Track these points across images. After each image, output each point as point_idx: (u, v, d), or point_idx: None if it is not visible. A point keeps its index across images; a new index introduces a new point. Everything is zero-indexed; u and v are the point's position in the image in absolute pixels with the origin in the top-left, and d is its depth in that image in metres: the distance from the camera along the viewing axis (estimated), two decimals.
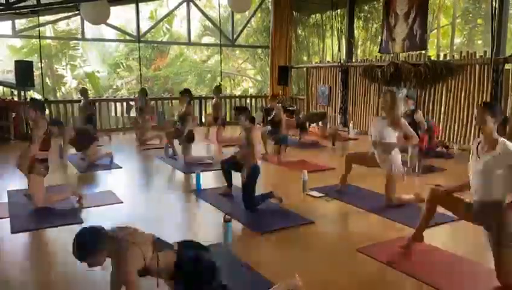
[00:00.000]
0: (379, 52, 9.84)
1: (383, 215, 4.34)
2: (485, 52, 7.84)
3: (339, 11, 11.42)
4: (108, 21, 10.60)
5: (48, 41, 14.92)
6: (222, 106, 9.86)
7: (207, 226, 4.26)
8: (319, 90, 11.58)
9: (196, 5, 12.47)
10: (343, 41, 11.27)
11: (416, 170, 6.10)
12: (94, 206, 4.63)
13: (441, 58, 8.70)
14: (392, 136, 4.60)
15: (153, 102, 11.63)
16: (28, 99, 8.92)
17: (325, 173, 6.24)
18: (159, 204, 4.91)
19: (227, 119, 10.89)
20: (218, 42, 13.10)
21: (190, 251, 2.46)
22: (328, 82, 11.37)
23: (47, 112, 10.43)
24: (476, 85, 7.81)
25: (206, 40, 17.66)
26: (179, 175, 6.19)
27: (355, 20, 11.64)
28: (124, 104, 10.97)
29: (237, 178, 4.78)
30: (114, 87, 17.51)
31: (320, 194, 5.03)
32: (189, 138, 6.76)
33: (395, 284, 2.98)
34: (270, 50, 12.93)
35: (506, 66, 7.39)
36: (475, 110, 3.01)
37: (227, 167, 5.00)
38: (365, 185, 5.41)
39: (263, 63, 16.16)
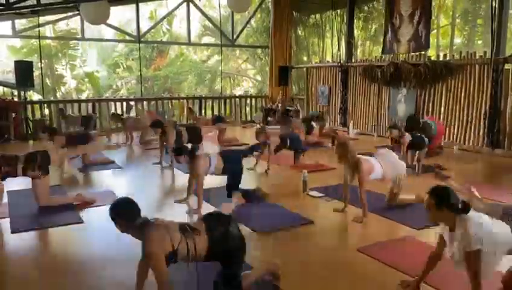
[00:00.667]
0: (382, 53, 9.82)
1: (383, 215, 4.34)
2: (485, 52, 7.84)
3: (338, 11, 11.43)
4: (108, 21, 10.60)
5: (48, 41, 14.92)
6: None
7: None
8: (319, 90, 11.59)
9: (196, 5, 12.48)
10: (343, 41, 11.27)
11: (416, 170, 6.09)
12: (94, 207, 4.63)
13: (441, 58, 8.70)
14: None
15: (152, 102, 11.67)
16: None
17: (325, 173, 6.24)
18: (159, 204, 4.91)
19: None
20: (218, 42, 13.11)
21: (218, 230, 2.56)
22: (328, 82, 11.38)
23: (47, 112, 10.45)
24: (475, 85, 7.81)
25: (206, 40, 17.66)
26: (179, 175, 6.19)
27: (355, 20, 11.64)
28: (124, 104, 10.98)
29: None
30: (114, 87, 17.51)
31: (320, 194, 5.03)
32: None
33: (395, 284, 2.98)
34: (270, 50, 12.94)
35: (506, 66, 7.40)
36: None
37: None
38: (367, 185, 5.39)
39: (263, 63, 16.16)
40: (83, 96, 16.03)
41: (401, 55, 9.25)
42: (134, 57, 16.11)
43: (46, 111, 10.46)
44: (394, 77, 9.10)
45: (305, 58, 14.08)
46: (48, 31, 14.12)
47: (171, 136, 6.68)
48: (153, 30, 14.06)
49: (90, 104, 10.85)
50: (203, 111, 12.14)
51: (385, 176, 4.46)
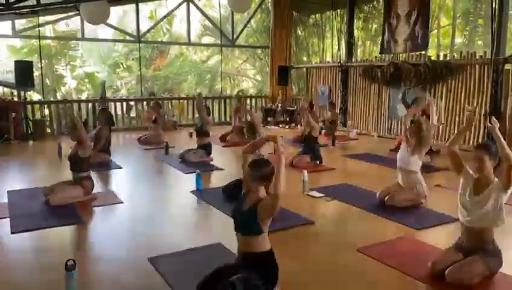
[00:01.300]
0: (380, 53, 9.83)
1: (383, 215, 4.34)
2: (485, 52, 7.85)
3: (338, 11, 11.42)
4: (108, 21, 10.60)
5: (48, 41, 14.90)
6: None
7: (207, 226, 4.27)
8: (319, 90, 11.59)
9: (196, 5, 12.48)
10: (343, 41, 11.27)
11: None
12: (94, 207, 4.63)
13: (441, 58, 8.70)
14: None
15: (152, 102, 11.65)
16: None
17: (325, 173, 6.24)
18: (159, 204, 4.91)
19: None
20: (218, 42, 13.10)
21: None
22: (328, 82, 11.38)
23: (46, 112, 10.45)
24: (476, 85, 7.81)
25: (206, 40, 17.65)
26: (179, 175, 6.19)
27: (355, 21, 11.64)
28: (124, 104, 10.98)
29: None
30: (114, 87, 17.50)
31: (320, 194, 5.03)
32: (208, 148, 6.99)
33: (395, 284, 2.98)
34: (270, 50, 12.94)
35: (506, 66, 7.40)
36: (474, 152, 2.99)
37: (229, 193, 4.78)
38: (365, 184, 5.41)
39: (263, 63, 16.16)
40: (83, 97, 16.01)
41: (401, 55, 9.25)
42: (135, 57, 16.10)
43: (46, 111, 10.46)
44: (394, 77, 9.11)
45: (305, 58, 14.08)
46: (48, 31, 14.11)
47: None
48: (153, 30, 14.05)
49: (90, 105, 10.85)
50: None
51: None
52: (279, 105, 12.07)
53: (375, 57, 10.41)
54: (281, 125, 11.62)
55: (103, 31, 14.75)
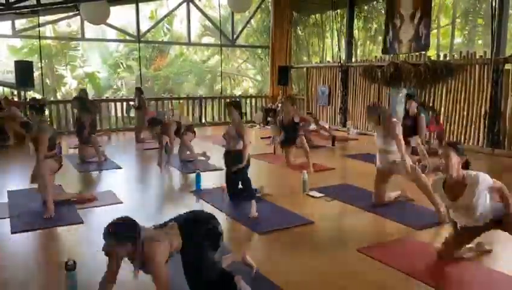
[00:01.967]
0: (383, 53, 9.79)
1: (383, 215, 4.34)
2: (485, 52, 7.84)
3: (338, 11, 11.42)
4: (109, 21, 10.60)
5: (48, 41, 14.91)
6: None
7: None
8: (319, 90, 11.59)
9: (196, 5, 12.48)
10: (343, 41, 11.27)
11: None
12: (94, 207, 4.63)
13: (441, 58, 8.69)
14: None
15: (152, 101, 11.67)
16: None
17: (325, 173, 6.24)
18: (159, 204, 4.91)
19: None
20: (218, 42, 13.10)
21: (188, 218, 2.74)
22: (328, 82, 11.37)
23: (47, 112, 10.45)
24: (476, 85, 7.81)
25: (206, 40, 17.66)
26: (179, 175, 6.19)
27: (355, 20, 11.64)
28: (124, 104, 10.97)
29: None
30: (114, 87, 17.51)
31: (320, 194, 5.03)
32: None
33: (395, 284, 2.98)
34: (270, 50, 12.94)
35: (506, 66, 7.39)
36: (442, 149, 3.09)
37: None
38: (365, 185, 5.40)
39: (263, 63, 16.17)
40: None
41: (401, 55, 9.25)
42: (135, 57, 16.10)
43: (46, 111, 10.45)
44: (394, 77, 9.10)
45: (305, 58, 14.09)
46: (48, 31, 14.11)
47: (171, 134, 6.56)
48: (153, 30, 14.05)
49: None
50: (203, 111, 12.14)
51: None
52: (279, 105, 12.06)
53: (375, 57, 10.41)
54: None
55: (106, 31, 14.72)
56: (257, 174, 6.25)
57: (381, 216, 4.33)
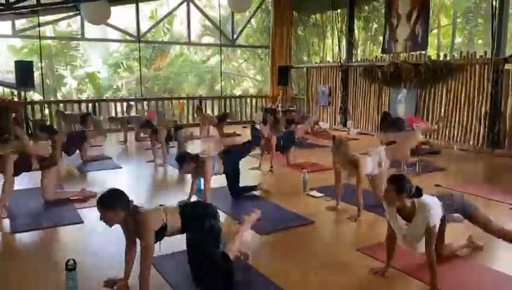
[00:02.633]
0: (382, 52, 9.81)
1: (383, 214, 4.32)
2: (485, 52, 7.84)
3: (339, 11, 11.42)
4: (109, 21, 10.60)
5: (48, 41, 14.91)
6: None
7: None
8: (319, 90, 11.59)
9: (196, 5, 12.47)
10: (343, 41, 11.27)
11: (416, 170, 6.08)
12: (94, 206, 4.61)
13: (441, 58, 8.69)
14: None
15: (152, 102, 11.67)
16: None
17: (325, 173, 6.23)
18: (159, 204, 4.90)
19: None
20: (218, 42, 13.10)
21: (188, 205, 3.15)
22: (328, 82, 11.37)
23: (47, 111, 10.46)
24: (476, 85, 7.81)
25: (206, 40, 17.66)
26: (179, 175, 6.18)
27: (355, 20, 11.63)
28: (124, 104, 10.97)
29: None
30: (114, 87, 17.51)
31: (320, 194, 5.03)
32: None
33: (395, 284, 2.98)
34: (270, 50, 12.94)
35: (506, 66, 7.39)
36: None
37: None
38: (365, 184, 5.39)
39: (263, 63, 16.16)
40: (83, 97, 16.03)
41: (401, 55, 9.25)
42: (135, 57, 16.10)
43: (46, 111, 10.46)
44: (394, 77, 9.10)
45: (305, 58, 14.08)
46: (48, 31, 14.11)
47: (162, 135, 6.84)
48: (153, 30, 14.05)
49: (90, 105, 10.85)
50: (203, 111, 12.13)
51: (373, 172, 4.49)
52: (279, 105, 12.07)
53: (376, 56, 10.41)
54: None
55: (107, 31, 14.71)
56: (257, 173, 6.26)
57: (381, 216, 4.32)
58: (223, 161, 4.77)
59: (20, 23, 11.55)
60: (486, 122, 7.62)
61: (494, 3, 7.38)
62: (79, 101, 11.19)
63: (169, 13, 14.11)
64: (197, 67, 18.24)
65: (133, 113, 10.52)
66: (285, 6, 12.43)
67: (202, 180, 5.23)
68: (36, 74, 10.65)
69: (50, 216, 4.29)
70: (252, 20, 14.93)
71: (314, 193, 5.08)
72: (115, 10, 10.66)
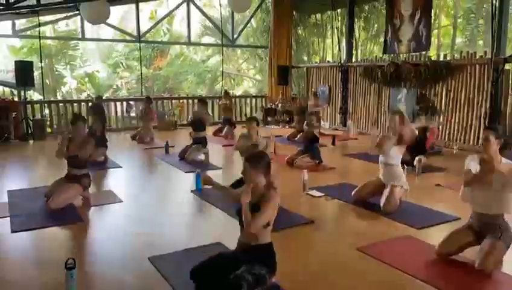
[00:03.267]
0: (384, 53, 9.79)
1: (383, 214, 4.34)
2: (485, 52, 7.84)
3: (339, 11, 11.42)
4: (109, 21, 10.60)
5: (48, 41, 14.91)
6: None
7: (207, 226, 4.26)
8: (319, 90, 11.59)
9: (196, 5, 12.47)
10: (343, 41, 11.27)
11: (416, 170, 6.08)
12: (94, 206, 4.63)
13: (441, 58, 8.69)
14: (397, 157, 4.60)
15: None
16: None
17: (325, 173, 6.24)
18: (159, 204, 4.91)
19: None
20: (218, 42, 13.10)
21: None
22: (328, 82, 11.37)
23: (47, 111, 10.45)
24: (476, 85, 7.80)
25: (206, 40, 17.65)
26: (179, 175, 6.18)
27: (355, 20, 11.63)
28: (124, 103, 10.98)
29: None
30: (114, 87, 17.51)
31: (320, 194, 5.03)
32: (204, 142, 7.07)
33: (395, 284, 2.98)
34: (270, 50, 12.93)
35: (506, 66, 7.39)
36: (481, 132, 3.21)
37: None
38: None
39: (263, 63, 16.16)
40: (83, 96, 16.02)
41: (401, 55, 9.25)
42: (135, 56, 16.11)
43: (46, 111, 10.45)
44: (394, 77, 9.10)
45: (305, 58, 14.08)
46: (48, 31, 14.11)
47: None
48: (153, 30, 14.05)
49: (90, 105, 10.83)
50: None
51: None
52: (279, 105, 12.08)
53: (376, 56, 10.40)
54: (281, 125, 11.62)
55: (107, 31, 14.72)
56: None
57: (381, 215, 4.32)
58: None
59: (20, 23, 11.54)
60: (486, 122, 7.62)
61: (494, 2, 7.38)
62: (79, 101, 11.19)
63: (169, 13, 14.11)
64: (196, 67, 18.24)
65: (132, 113, 10.53)
66: (285, 6, 12.43)
67: (201, 180, 5.24)
68: (36, 74, 10.65)
69: (50, 216, 4.29)
70: (252, 20, 14.92)
71: (314, 192, 5.08)
72: (115, 10, 10.66)
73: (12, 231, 3.89)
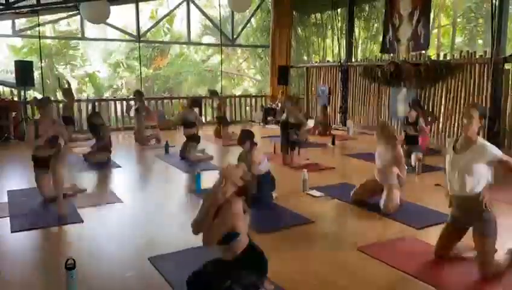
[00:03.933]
0: (381, 52, 9.79)
1: (383, 214, 4.34)
2: (485, 51, 7.83)
3: (339, 10, 11.41)
4: (109, 21, 10.59)
5: (48, 41, 14.91)
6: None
7: None
8: (319, 90, 11.58)
9: (196, 5, 12.47)
10: (343, 41, 11.26)
11: (416, 170, 6.08)
12: (94, 206, 4.63)
13: (441, 57, 8.69)
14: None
15: (152, 101, 11.66)
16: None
17: (325, 173, 6.24)
18: (159, 204, 4.91)
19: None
20: (218, 42, 13.09)
21: None
22: (328, 82, 11.37)
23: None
24: (475, 85, 7.80)
25: (206, 39, 17.65)
26: (179, 175, 6.19)
27: (355, 20, 11.62)
28: (124, 103, 10.97)
29: None
30: (114, 86, 17.51)
31: (320, 194, 5.03)
32: (196, 138, 7.08)
33: (395, 284, 2.98)
34: (270, 50, 12.93)
35: (506, 66, 7.37)
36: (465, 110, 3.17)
37: None
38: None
39: (263, 63, 16.16)
40: (83, 96, 16.00)
41: (401, 55, 9.24)
42: (135, 56, 16.10)
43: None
44: (394, 77, 9.09)
45: (305, 58, 14.07)
46: (48, 30, 14.11)
47: None
48: (153, 30, 14.05)
49: (90, 104, 10.83)
50: (203, 111, 12.12)
51: None
52: (279, 104, 12.06)
53: (375, 56, 10.40)
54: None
55: (107, 31, 14.70)
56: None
57: (381, 215, 4.32)
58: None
59: (20, 22, 11.55)
60: (486, 122, 7.60)
61: (494, 1, 7.36)
62: (79, 101, 11.18)
63: (169, 13, 14.11)
64: (197, 67, 18.24)
65: (132, 113, 10.50)
66: (285, 6, 12.42)
67: (201, 179, 5.25)
68: (36, 74, 10.65)
69: (50, 216, 4.29)
70: (252, 20, 14.92)
71: (314, 192, 5.08)
72: (115, 10, 10.65)
73: (12, 231, 3.89)
